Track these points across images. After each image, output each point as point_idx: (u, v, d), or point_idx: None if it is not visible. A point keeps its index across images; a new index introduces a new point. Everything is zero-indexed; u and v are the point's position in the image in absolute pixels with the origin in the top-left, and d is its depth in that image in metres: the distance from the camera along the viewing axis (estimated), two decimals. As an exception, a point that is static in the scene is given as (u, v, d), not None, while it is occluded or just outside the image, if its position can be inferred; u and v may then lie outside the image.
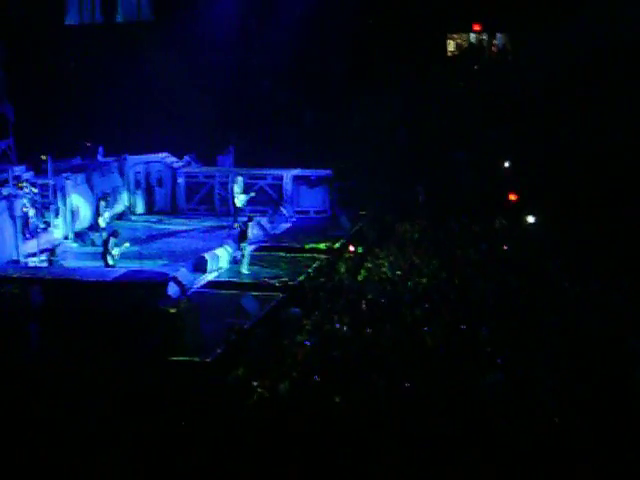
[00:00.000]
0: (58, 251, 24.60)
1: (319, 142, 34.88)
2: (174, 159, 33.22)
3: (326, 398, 16.24)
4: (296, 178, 31.91)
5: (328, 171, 31.78)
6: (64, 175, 28.10)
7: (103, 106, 36.23)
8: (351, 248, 26.60)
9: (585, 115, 31.72)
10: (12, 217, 24.60)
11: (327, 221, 30.83)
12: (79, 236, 28.09)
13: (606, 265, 23.13)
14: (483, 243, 26.24)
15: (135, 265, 23.38)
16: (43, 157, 26.52)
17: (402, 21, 38.09)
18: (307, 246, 27.40)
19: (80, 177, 29.27)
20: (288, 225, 30.60)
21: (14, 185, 24.93)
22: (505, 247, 26.02)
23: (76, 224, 28.30)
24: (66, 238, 27.65)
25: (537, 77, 33.65)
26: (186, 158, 33.62)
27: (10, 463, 14.94)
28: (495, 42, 41.67)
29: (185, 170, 32.87)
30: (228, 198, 31.37)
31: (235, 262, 25.24)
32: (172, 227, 30.38)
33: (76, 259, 25.83)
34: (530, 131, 32.87)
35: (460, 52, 41.51)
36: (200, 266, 24.48)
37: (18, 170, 25.99)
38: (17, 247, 24.53)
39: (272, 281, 23.69)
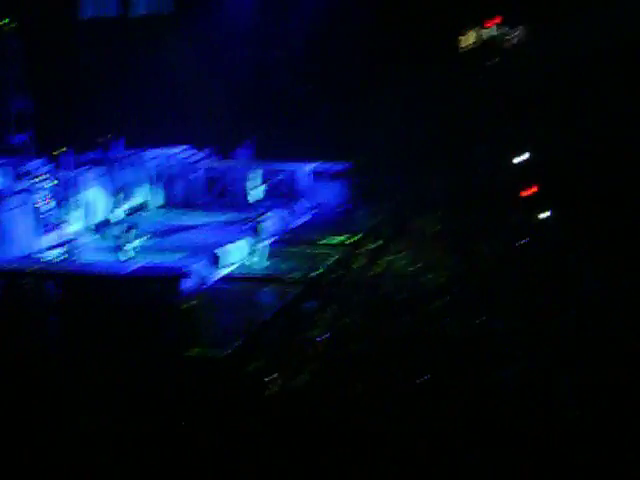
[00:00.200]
0: (76, 245, 24.65)
1: (339, 136, 34.77)
2: (193, 152, 33.25)
3: (343, 391, 16.20)
4: (315, 172, 31.84)
5: (347, 164, 31.72)
6: (84, 168, 28.17)
7: (123, 99, 36.30)
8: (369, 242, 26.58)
9: (606, 108, 31.47)
10: (30, 211, 24.65)
11: (346, 214, 30.80)
12: (97, 230, 28.12)
13: (623, 261, 22.97)
14: (502, 237, 26.14)
15: (153, 259, 23.41)
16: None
17: (423, 13, 37.92)
18: (325, 240, 27.36)
19: (100, 170, 29.30)
20: (306, 218, 30.57)
21: (33, 178, 25.02)
22: (523, 241, 25.93)
23: (95, 217, 28.35)
24: (84, 232, 27.68)
25: (557, 70, 33.43)
26: (205, 151, 33.67)
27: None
28: (515, 34, 41.41)
29: (204, 163, 32.89)
30: (247, 191, 31.35)
31: (252, 255, 25.23)
32: (191, 220, 30.40)
33: (94, 253, 25.83)
34: (550, 124, 32.65)
35: (480, 44, 41.29)
36: (217, 260, 24.48)
37: (38, 163, 26.06)
38: (35, 241, 24.57)
39: (289, 275, 23.68)
